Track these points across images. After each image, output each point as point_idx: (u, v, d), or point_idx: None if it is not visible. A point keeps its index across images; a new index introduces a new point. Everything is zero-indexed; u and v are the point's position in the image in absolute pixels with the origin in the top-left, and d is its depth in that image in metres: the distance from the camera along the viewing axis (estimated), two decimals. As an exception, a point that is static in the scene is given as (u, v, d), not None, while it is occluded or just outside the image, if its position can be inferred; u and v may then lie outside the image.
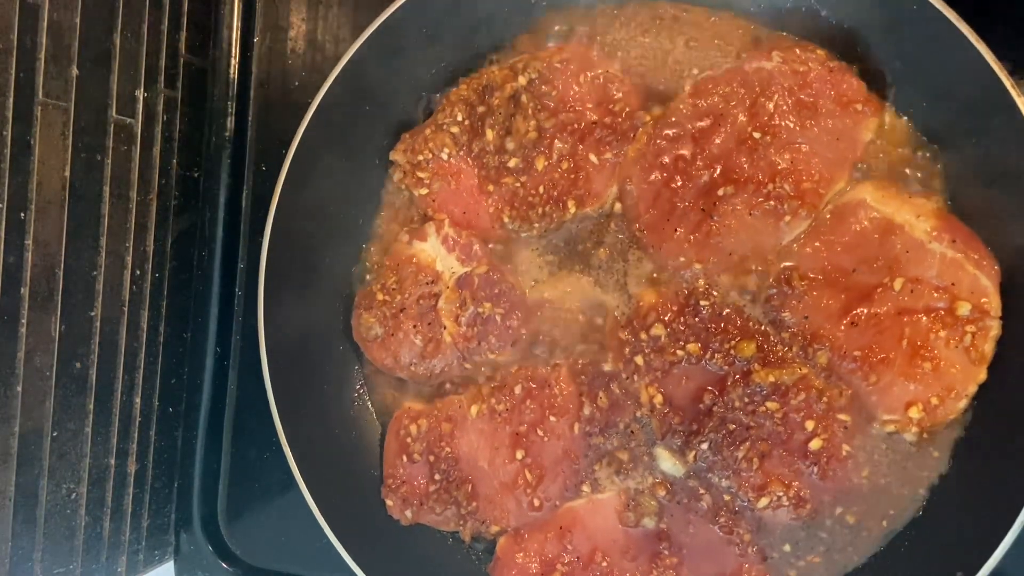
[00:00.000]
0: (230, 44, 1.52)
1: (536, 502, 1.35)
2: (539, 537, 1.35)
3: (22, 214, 1.24)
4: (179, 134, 1.55)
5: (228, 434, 1.56)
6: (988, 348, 1.18)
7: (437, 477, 1.40)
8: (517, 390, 1.36)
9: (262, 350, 1.39)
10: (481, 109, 1.40)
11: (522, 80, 1.37)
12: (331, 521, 1.36)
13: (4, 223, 1.21)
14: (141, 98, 1.45)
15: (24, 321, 1.26)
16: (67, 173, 1.31)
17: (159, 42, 1.48)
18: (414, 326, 1.40)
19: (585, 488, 1.34)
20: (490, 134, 1.39)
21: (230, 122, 1.53)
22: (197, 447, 1.56)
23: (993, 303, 1.18)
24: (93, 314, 1.39)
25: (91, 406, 1.41)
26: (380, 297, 1.42)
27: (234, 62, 1.52)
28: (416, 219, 1.48)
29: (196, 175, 1.59)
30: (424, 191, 1.44)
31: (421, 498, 1.41)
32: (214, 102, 1.53)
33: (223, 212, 1.53)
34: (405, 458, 1.42)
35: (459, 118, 1.41)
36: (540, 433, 1.35)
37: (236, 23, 1.52)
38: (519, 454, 1.36)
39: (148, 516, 1.57)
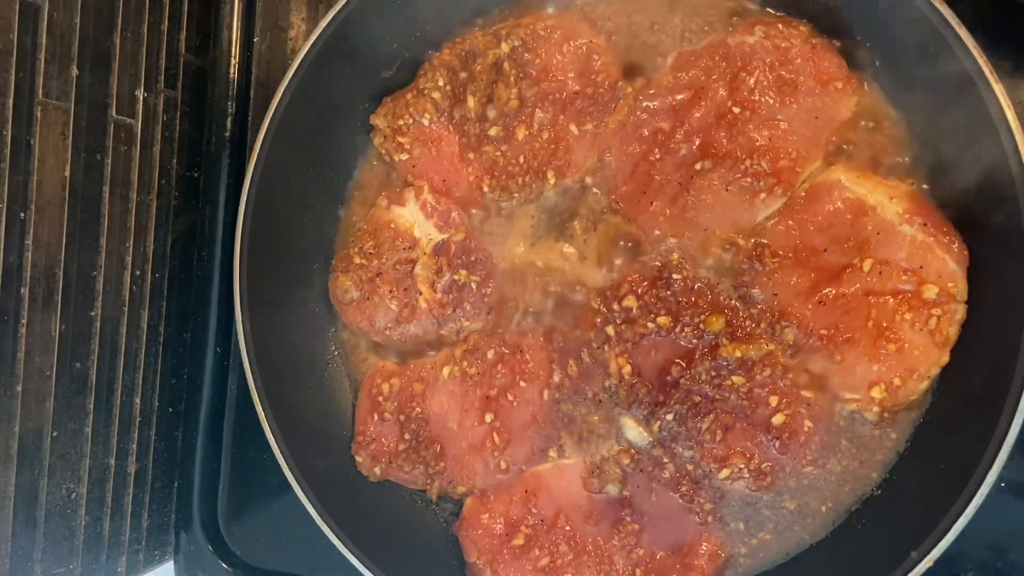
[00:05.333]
0: (230, 44, 1.52)
1: (503, 465, 1.37)
2: (505, 499, 1.38)
3: (22, 214, 1.24)
4: (179, 134, 1.56)
5: (228, 434, 1.56)
6: (952, 332, 1.19)
7: (407, 436, 1.42)
8: (489, 354, 1.38)
9: (237, 308, 1.39)
10: (463, 75, 1.41)
11: (505, 47, 1.38)
12: (301, 479, 1.36)
13: (4, 223, 1.21)
14: (141, 98, 1.45)
15: (24, 321, 1.26)
16: (67, 173, 1.31)
17: (159, 42, 1.49)
18: (390, 291, 1.42)
19: (552, 453, 1.36)
20: (472, 101, 1.40)
21: (230, 122, 1.53)
22: (197, 447, 1.56)
23: (960, 287, 1.19)
24: (93, 314, 1.40)
25: (91, 406, 1.41)
26: (357, 260, 1.43)
27: (234, 62, 1.53)
28: (396, 184, 1.49)
29: (196, 175, 1.59)
30: (404, 156, 1.45)
31: (390, 456, 1.43)
32: (214, 102, 1.54)
33: (223, 212, 1.53)
34: (376, 416, 1.44)
35: (441, 84, 1.43)
36: (510, 398, 1.37)
37: (236, 23, 1.52)
38: (488, 417, 1.37)
39: (148, 516, 1.57)
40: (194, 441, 1.56)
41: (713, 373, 1.25)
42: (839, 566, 1.26)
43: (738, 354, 1.24)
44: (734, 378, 1.24)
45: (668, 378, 1.28)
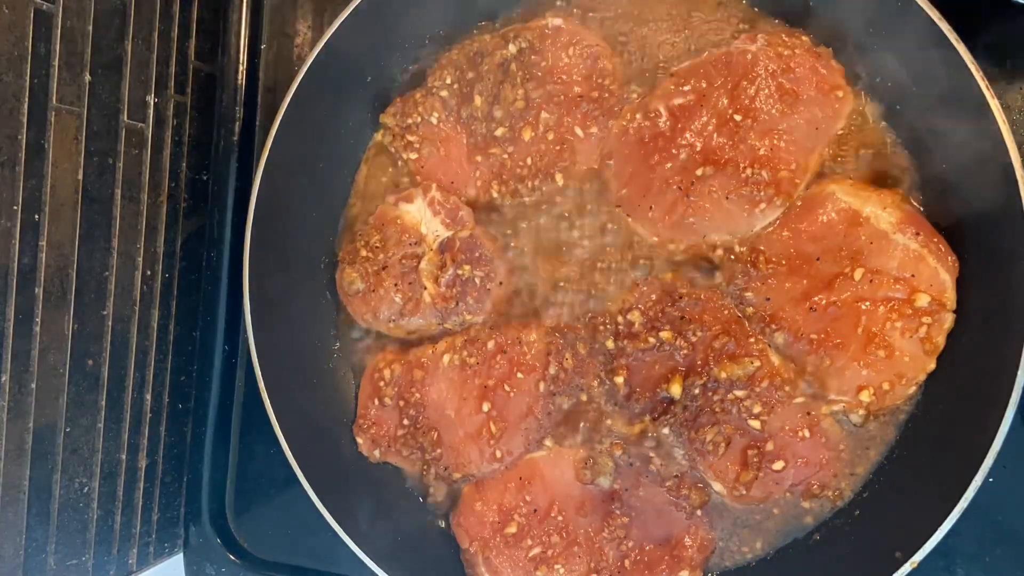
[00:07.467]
0: (238, 51, 1.54)
1: (498, 454, 1.38)
2: (499, 487, 1.39)
3: (36, 216, 1.26)
4: (188, 138, 1.57)
5: (236, 430, 1.59)
6: (941, 339, 1.21)
7: (405, 422, 1.43)
8: (490, 345, 1.40)
9: (245, 299, 1.40)
10: (471, 75, 1.42)
11: (512, 49, 1.40)
12: (307, 473, 1.38)
13: (19, 225, 1.23)
14: (152, 103, 1.47)
15: (38, 320, 1.28)
16: (80, 176, 1.33)
17: (169, 49, 1.50)
18: (395, 284, 1.43)
19: (547, 443, 1.38)
20: (479, 100, 1.42)
21: (238, 127, 1.55)
22: (206, 443, 1.58)
23: (950, 296, 1.20)
24: (105, 313, 1.41)
25: (103, 402, 1.43)
26: (363, 254, 1.45)
27: (242, 68, 1.55)
28: (402, 182, 1.51)
29: (205, 178, 1.61)
30: (414, 156, 1.47)
31: (389, 440, 1.44)
32: (222, 107, 1.56)
33: (231, 214, 1.55)
34: (377, 401, 1.46)
35: (449, 82, 1.44)
36: (507, 388, 1.38)
37: (244, 31, 1.54)
38: (485, 406, 1.39)
39: (158, 510, 1.58)
40: (203, 437, 1.58)
41: (713, 388, 1.26)
42: (826, 564, 1.27)
43: (724, 375, 1.25)
44: (736, 392, 1.26)
45: (664, 394, 1.29)
